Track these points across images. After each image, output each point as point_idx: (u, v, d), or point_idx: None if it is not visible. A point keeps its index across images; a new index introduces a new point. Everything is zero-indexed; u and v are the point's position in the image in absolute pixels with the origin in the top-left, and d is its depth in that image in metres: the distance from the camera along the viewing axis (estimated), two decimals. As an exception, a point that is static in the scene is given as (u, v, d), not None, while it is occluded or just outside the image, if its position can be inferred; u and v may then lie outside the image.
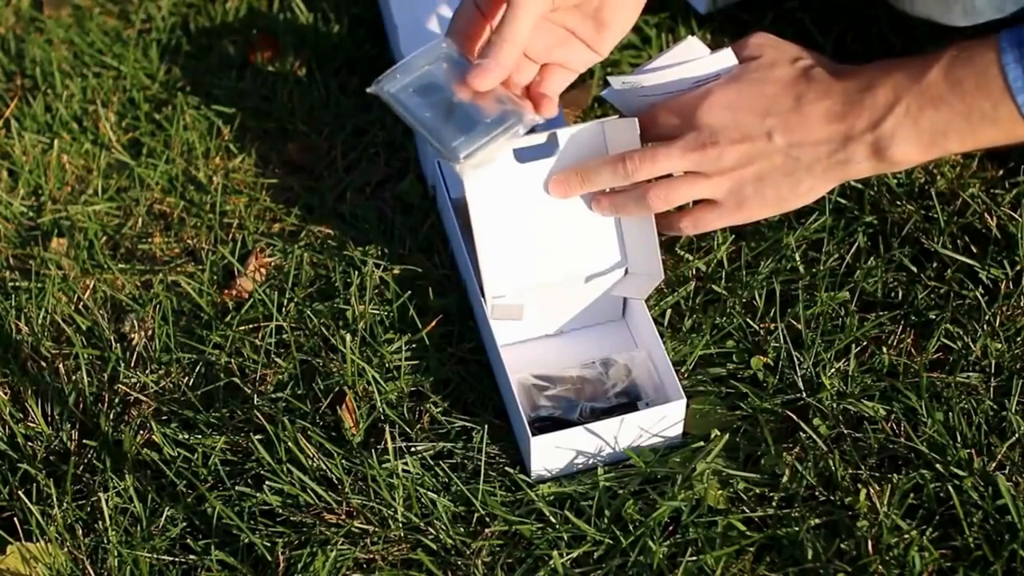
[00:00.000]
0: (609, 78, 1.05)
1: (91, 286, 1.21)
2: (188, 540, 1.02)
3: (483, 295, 1.07)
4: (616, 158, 1.03)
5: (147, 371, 1.13)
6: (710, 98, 1.01)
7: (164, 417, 1.10)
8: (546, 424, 1.05)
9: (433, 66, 1.02)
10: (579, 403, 1.06)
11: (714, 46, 1.04)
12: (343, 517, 1.02)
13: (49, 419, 1.11)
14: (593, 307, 1.12)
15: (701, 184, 1.02)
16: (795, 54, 1.02)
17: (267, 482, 1.04)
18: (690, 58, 1.03)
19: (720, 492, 1.02)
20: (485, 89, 0.99)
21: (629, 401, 1.06)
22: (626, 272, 1.10)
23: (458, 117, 1.00)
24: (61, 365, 1.14)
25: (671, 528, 1.01)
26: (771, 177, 1.00)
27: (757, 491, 1.02)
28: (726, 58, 1.02)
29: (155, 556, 1.01)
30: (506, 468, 1.05)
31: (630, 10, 1.04)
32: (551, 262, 1.08)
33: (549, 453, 1.02)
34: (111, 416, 1.10)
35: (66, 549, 1.02)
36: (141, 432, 1.09)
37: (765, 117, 0.99)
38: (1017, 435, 1.03)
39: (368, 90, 1.03)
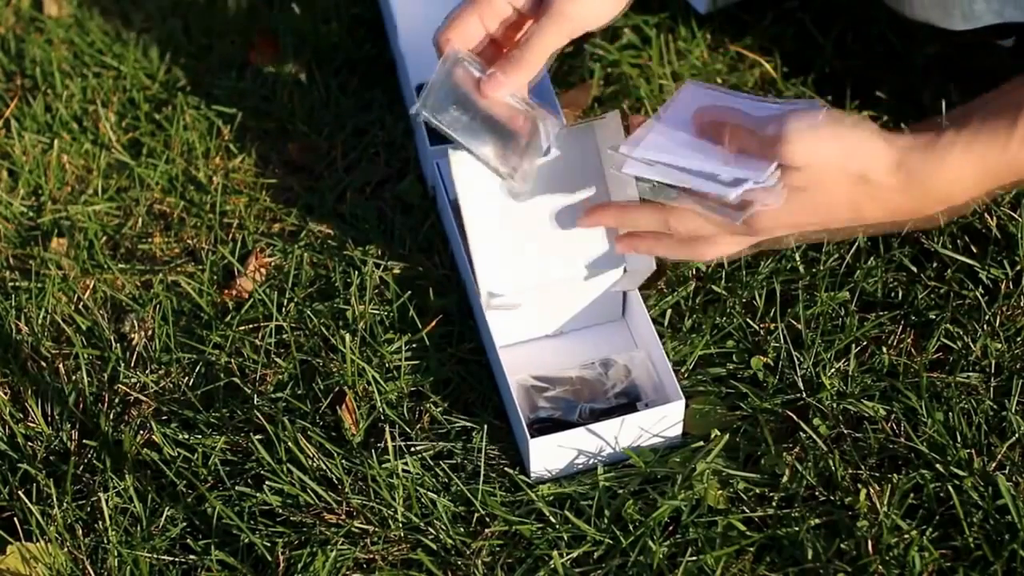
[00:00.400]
0: (623, 149, 0.95)
1: (91, 286, 1.21)
2: (188, 540, 1.02)
3: (477, 289, 1.07)
4: (659, 211, 0.98)
5: (147, 371, 1.13)
6: (763, 210, 0.91)
7: (164, 417, 1.10)
8: (546, 425, 1.05)
9: (455, 74, 1.01)
10: (578, 404, 1.06)
11: (715, 45, 1.04)
12: (343, 517, 1.02)
13: (49, 419, 1.11)
14: (592, 307, 1.12)
15: (749, 242, 0.97)
16: (841, 157, 0.89)
17: (267, 482, 1.04)
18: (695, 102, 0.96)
19: (720, 492, 1.02)
20: (494, 97, 0.99)
21: (628, 402, 1.06)
22: (625, 270, 1.10)
23: (500, 135, 1.01)
24: (61, 365, 1.14)
25: (671, 528, 1.01)
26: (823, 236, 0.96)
27: (757, 491, 1.02)
28: (771, 174, 0.91)
29: (155, 556, 1.01)
30: (506, 468, 1.05)
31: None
32: (549, 262, 1.08)
33: (548, 454, 1.02)
34: (111, 416, 1.10)
35: (66, 549, 1.02)
36: (141, 432, 1.09)
37: (822, 222, 0.93)
38: (1017, 435, 1.03)
39: (412, 111, 1.00)
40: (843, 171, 0.89)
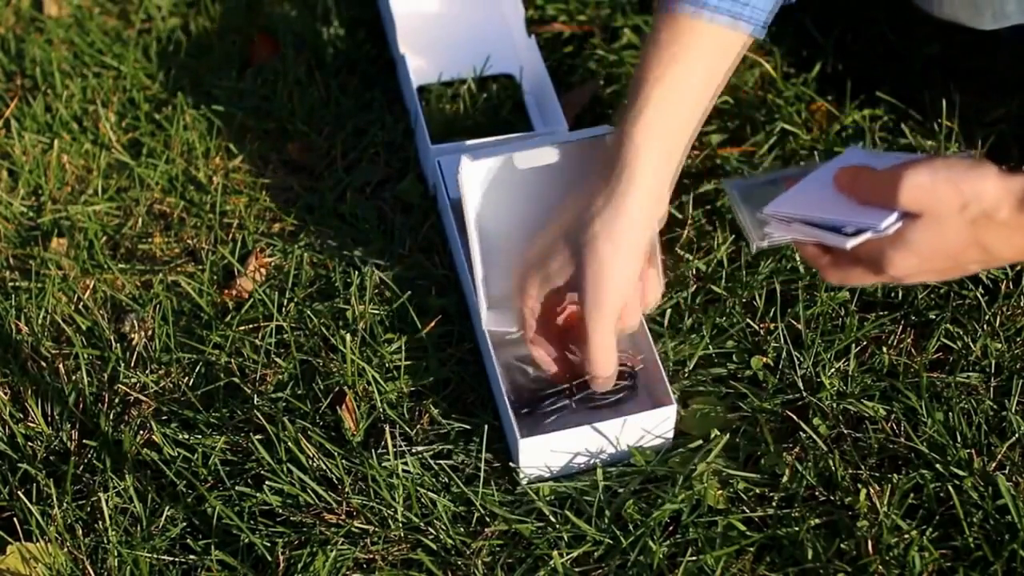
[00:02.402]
0: (768, 214, 0.94)
1: (91, 286, 1.21)
2: (188, 540, 1.02)
3: (479, 302, 1.07)
4: (822, 258, 0.94)
5: (147, 371, 1.13)
6: (893, 263, 0.89)
7: (164, 417, 1.10)
8: (537, 407, 1.06)
9: None
10: (560, 386, 1.07)
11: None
12: (343, 517, 1.02)
13: (49, 419, 1.11)
14: None
15: (883, 279, 0.94)
16: (959, 201, 0.87)
17: (267, 482, 1.04)
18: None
19: (720, 492, 1.02)
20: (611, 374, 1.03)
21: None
22: None
23: None
24: (61, 365, 1.14)
25: (671, 528, 1.01)
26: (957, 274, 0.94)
27: (757, 491, 1.02)
28: (894, 221, 0.89)
29: (155, 556, 1.01)
30: (506, 468, 1.05)
31: (656, 255, 1.03)
32: None
33: (539, 453, 1.02)
34: (111, 416, 1.10)
35: (66, 549, 1.02)
36: (141, 432, 1.09)
37: (957, 263, 0.91)
38: (1017, 435, 1.03)
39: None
40: (962, 213, 0.87)
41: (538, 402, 1.05)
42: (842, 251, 0.91)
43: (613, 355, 1.01)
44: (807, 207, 0.94)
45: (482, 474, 1.03)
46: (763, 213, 0.95)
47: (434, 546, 1.01)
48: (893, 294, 1.14)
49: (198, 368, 1.13)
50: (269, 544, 1.01)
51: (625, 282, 0.99)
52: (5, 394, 1.13)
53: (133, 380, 1.13)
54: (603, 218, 0.97)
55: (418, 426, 1.08)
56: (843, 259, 0.93)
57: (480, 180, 1.05)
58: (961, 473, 1.01)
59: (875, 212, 0.90)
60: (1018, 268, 1.13)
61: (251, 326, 1.16)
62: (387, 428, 1.06)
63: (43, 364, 1.15)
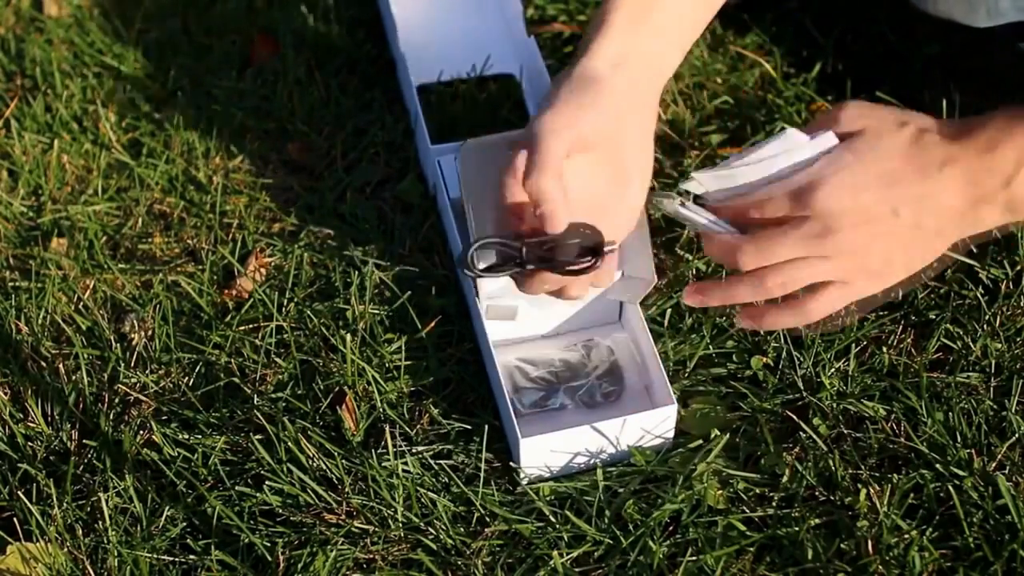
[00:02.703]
0: (696, 174, 0.96)
1: (91, 286, 1.21)
2: (188, 540, 1.02)
3: (477, 295, 1.07)
4: (727, 244, 0.95)
5: (147, 371, 1.13)
6: (824, 183, 0.92)
7: (164, 417, 1.10)
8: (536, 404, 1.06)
9: None
10: (560, 386, 1.07)
11: (715, 45, 1.04)
12: (343, 517, 1.02)
13: (49, 419, 1.11)
14: (589, 310, 1.12)
15: (823, 267, 0.94)
16: (896, 118, 0.94)
17: (267, 482, 1.04)
18: (788, 149, 0.95)
19: (720, 492, 1.02)
20: (560, 231, 0.95)
21: (613, 381, 1.08)
22: (622, 275, 1.10)
23: None
24: (61, 365, 1.14)
25: (671, 528, 1.01)
26: (899, 250, 0.94)
27: (757, 491, 1.02)
28: (827, 141, 0.94)
29: (155, 556, 1.01)
30: (506, 468, 1.05)
31: (647, 158, 1.00)
32: None
33: (540, 453, 1.02)
34: (111, 416, 1.10)
35: (66, 549, 1.01)
36: (141, 432, 1.09)
37: (887, 194, 0.92)
38: (1017, 435, 1.03)
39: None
40: (901, 129, 0.92)
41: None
42: (768, 204, 0.93)
43: (560, 206, 0.94)
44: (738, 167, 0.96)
45: (482, 474, 1.03)
46: (691, 177, 0.97)
47: (434, 546, 1.01)
48: (893, 294, 1.14)
49: (198, 368, 1.13)
50: (269, 544, 1.01)
51: (594, 120, 0.95)
52: (5, 394, 1.13)
53: (133, 380, 1.13)
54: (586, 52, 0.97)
55: (418, 426, 1.08)
56: (765, 222, 0.94)
57: (478, 160, 1.04)
58: (961, 473, 1.01)
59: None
60: (1018, 268, 1.13)
61: (251, 326, 1.16)
62: (387, 428, 1.06)
63: (43, 364, 1.15)
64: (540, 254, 0.96)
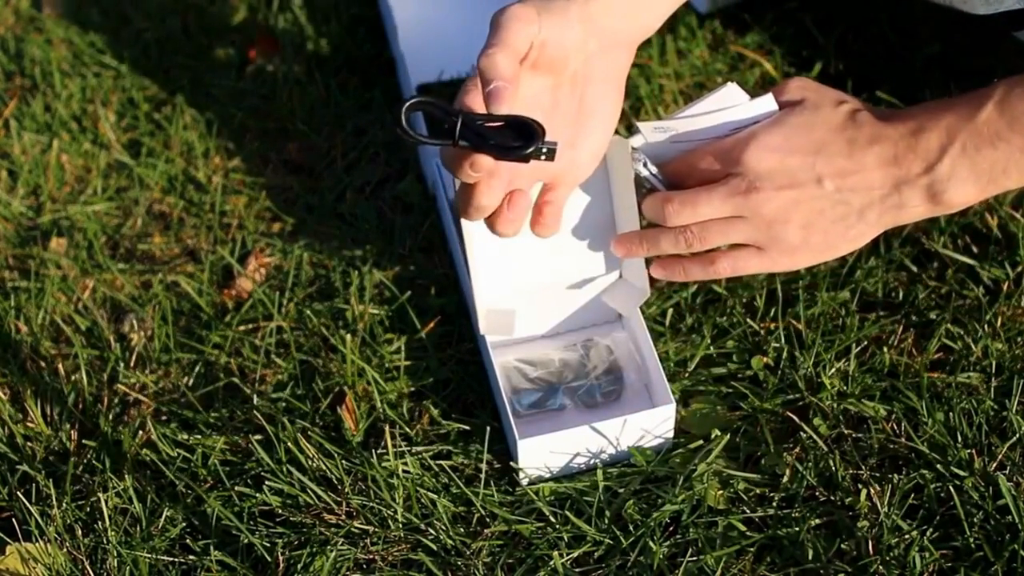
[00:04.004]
0: (639, 124, 1.00)
1: (90, 286, 1.21)
2: (188, 540, 1.02)
3: (475, 306, 1.07)
4: (658, 199, 0.99)
5: (146, 371, 1.13)
6: (755, 141, 0.96)
7: (164, 417, 1.10)
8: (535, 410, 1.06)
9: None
10: (560, 385, 1.07)
11: (715, 45, 1.04)
12: (343, 517, 1.02)
13: (48, 419, 1.11)
14: (588, 310, 1.12)
15: (739, 226, 0.97)
16: (838, 97, 0.99)
17: (267, 482, 1.04)
18: (728, 105, 0.98)
19: (720, 492, 1.01)
20: (503, 111, 0.89)
21: (613, 381, 1.08)
22: (620, 276, 1.10)
23: None
24: (60, 365, 1.14)
25: (671, 528, 1.01)
26: (819, 223, 0.96)
27: (757, 491, 1.02)
28: (766, 103, 0.98)
29: (155, 556, 1.01)
30: (506, 468, 1.05)
31: (613, 101, 0.98)
32: (544, 265, 1.08)
33: (538, 453, 1.02)
34: (110, 416, 1.10)
35: (65, 549, 1.01)
36: (140, 432, 1.09)
37: (814, 162, 0.95)
38: (1018, 435, 1.03)
39: None
40: (838, 107, 0.98)
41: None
42: (701, 161, 0.98)
43: (508, 83, 0.88)
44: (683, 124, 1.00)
45: (483, 475, 1.03)
46: (639, 130, 1.00)
47: (434, 546, 1.01)
48: (893, 294, 1.14)
49: (197, 368, 1.13)
50: (269, 544, 1.01)
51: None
52: (5, 394, 1.12)
53: (132, 380, 1.12)
54: None
55: (418, 426, 1.08)
56: (696, 178, 0.98)
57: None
58: (962, 473, 1.00)
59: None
60: (1019, 268, 1.13)
61: (251, 326, 1.16)
62: (387, 428, 1.06)
63: (42, 364, 1.15)
64: (477, 131, 0.88)
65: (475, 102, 0.92)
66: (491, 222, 0.97)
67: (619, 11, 0.96)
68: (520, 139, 0.88)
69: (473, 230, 1.04)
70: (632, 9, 0.98)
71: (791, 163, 0.95)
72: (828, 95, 0.99)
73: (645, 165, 1.01)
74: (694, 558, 0.98)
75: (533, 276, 1.08)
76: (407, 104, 0.90)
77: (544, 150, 0.88)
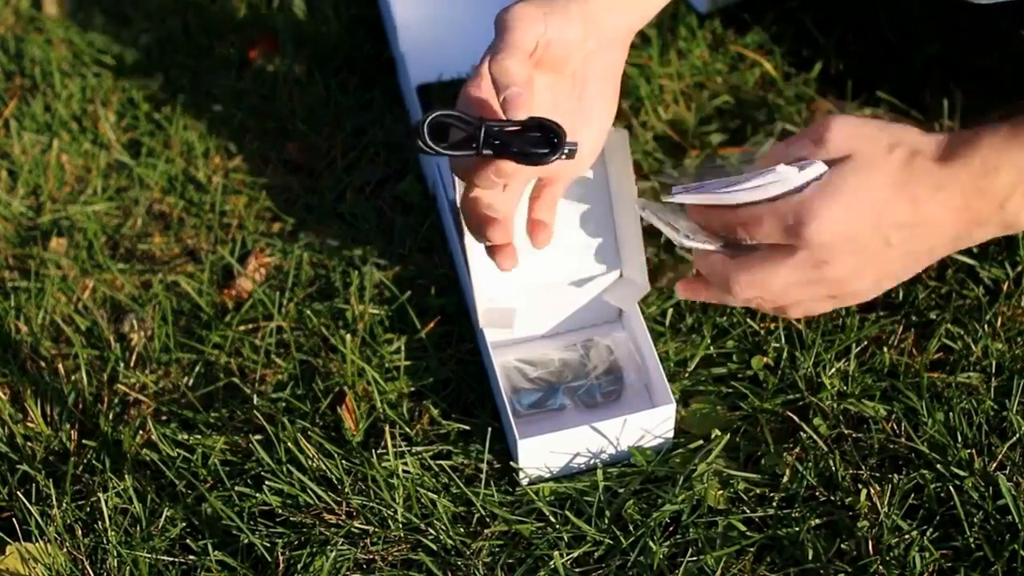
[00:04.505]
0: (677, 197, 0.95)
1: (90, 286, 1.21)
2: (188, 540, 1.02)
3: (475, 303, 1.07)
4: (718, 269, 0.94)
5: (146, 371, 1.13)
6: (814, 217, 0.89)
7: (164, 417, 1.10)
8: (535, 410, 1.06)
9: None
10: (560, 385, 1.07)
11: (715, 45, 1.04)
12: (343, 517, 1.02)
13: (49, 419, 1.11)
14: (588, 309, 1.12)
15: (810, 290, 0.94)
16: (888, 140, 0.91)
17: (267, 482, 1.04)
18: (774, 180, 0.91)
19: (720, 492, 1.01)
20: (523, 116, 0.89)
21: (613, 381, 1.08)
22: (620, 275, 1.10)
23: None
24: (61, 365, 1.14)
25: (671, 528, 1.01)
26: (892, 274, 0.93)
27: (757, 491, 1.02)
28: (816, 170, 0.91)
29: (155, 556, 1.01)
30: (506, 468, 1.05)
31: (610, 99, 0.98)
32: (544, 264, 1.08)
33: (538, 453, 1.02)
34: (110, 416, 1.10)
35: (65, 549, 1.01)
36: (141, 432, 1.09)
37: (879, 226, 0.90)
38: (1018, 435, 1.03)
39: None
40: (891, 153, 0.90)
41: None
42: (757, 229, 0.91)
43: (525, 89, 0.88)
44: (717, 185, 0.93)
45: (483, 475, 1.03)
46: (672, 195, 0.94)
47: (434, 546, 1.01)
48: (894, 294, 1.14)
49: (197, 368, 1.13)
50: (269, 544, 1.01)
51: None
52: (5, 394, 1.12)
53: (132, 380, 1.12)
54: None
55: (418, 426, 1.08)
56: (751, 244, 0.92)
57: None
58: (962, 473, 1.00)
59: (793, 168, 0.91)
60: (1019, 268, 1.13)
61: (251, 326, 1.16)
62: (387, 428, 1.06)
63: (43, 364, 1.14)
64: (498, 138, 0.89)
65: (481, 105, 0.92)
66: (495, 253, 0.98)
67: (618, 8, 0.97)
68: (541, 142, 0.89)
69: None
70: (630, 6, 0.98)
71: (856, 233, 0.91)
72: (877, 141, 0.91)
73: (686, 237, 0.96)
74: (694, 558, 0.97)
75: (533, 275, 1.08)
76: (428, 120, 0.89)
77: (566, 151, 0.89)
